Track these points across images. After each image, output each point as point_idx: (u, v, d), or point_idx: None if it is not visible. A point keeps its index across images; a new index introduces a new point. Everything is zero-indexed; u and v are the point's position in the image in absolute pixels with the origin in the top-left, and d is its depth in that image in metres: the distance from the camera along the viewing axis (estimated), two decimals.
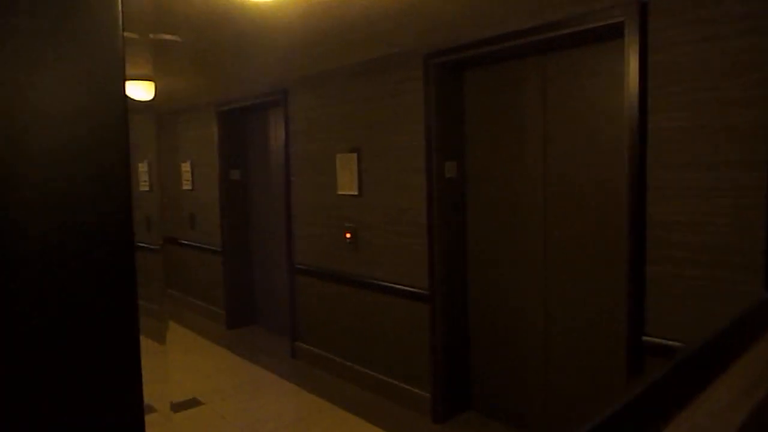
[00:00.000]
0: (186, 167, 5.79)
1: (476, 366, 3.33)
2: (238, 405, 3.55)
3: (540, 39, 2.62)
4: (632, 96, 2.27)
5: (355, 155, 3.63)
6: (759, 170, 1.98)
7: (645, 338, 2.26)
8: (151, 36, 2.77)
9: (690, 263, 2.16)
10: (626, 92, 2.30)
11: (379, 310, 3.58)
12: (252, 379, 4.00)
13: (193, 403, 3.59)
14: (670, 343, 2.19)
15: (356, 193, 3.65)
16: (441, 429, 3.18)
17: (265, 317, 5.23)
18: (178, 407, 3.53)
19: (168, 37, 2.74)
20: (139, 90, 3.87)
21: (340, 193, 3.79)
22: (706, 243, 2.11)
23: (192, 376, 4.07)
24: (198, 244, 5.69)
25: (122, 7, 0.36)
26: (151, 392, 3.74)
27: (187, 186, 5.81)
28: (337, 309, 3.93)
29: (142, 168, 5.82)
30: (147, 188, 5.78)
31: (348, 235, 3.74)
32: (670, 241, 2.21)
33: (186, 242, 5.94)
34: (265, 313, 5.22)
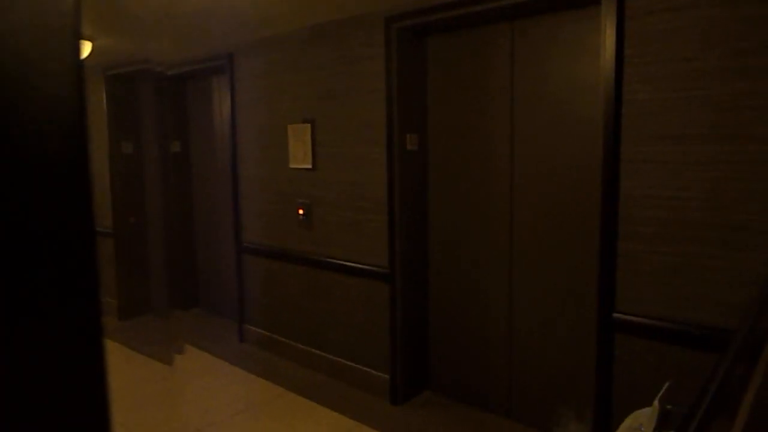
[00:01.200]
0: None
1: (437, 345, 3.24)
2: (184, 394, 3.30)
3: (509, 4, 2.48)
4: (608, 66, 2.18)
5: (308, 126, 3.40)
6: (735, 144, 1.94)
7: (616, 315, 2.21)
8: None
9: (663, 239, 2.11)
10: (602, 62, 2.20)
11: (335, 290, 3.41)
12: (198, 366, 3.75)
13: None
14: (641, 320, 2.15)
15: (310, 166, 3.43)
16: (399, 410, 3.08)
17: (210, 299, 4.94)
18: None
19: None
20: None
21: (292, 167, 3.56)
22: (680, 218, 2.07)
23: (129, 364, 3.78)
24: None
25: None
26: None
27: None
28: (290, 290, 3.73)
29: None
30: None
31: (301, 212, 3.52)
32: (643, 216, 2.15)
33: None
34: (210, 296, 4.93)
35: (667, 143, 2.09)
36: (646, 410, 1.84)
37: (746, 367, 0.86)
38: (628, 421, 1.89)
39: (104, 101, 4.62)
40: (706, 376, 0.78)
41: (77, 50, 0.35)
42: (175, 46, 3.96)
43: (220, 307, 4.78)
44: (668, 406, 1.77)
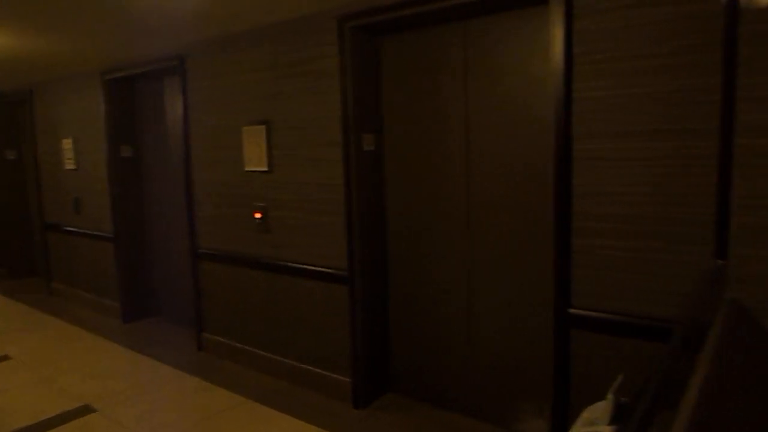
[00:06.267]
0: (67, 144, 5.14)
1: (398, 347, 3.22)
2: (139, 407, 3.18)
3: (462, 3, 2.48)
4: (557, 64, 2.20)
5: (263, 128, 3.33)
6: (683, 139, 1.99)
7: (571, 310, 2.24)
8: None
9: (615, 234, 2.14)
10: (551, 60, 2.23)
11: (294, 294, 3.35)
12: (153, 378, 3.62)
13: (83, 411, 3.17)
14: (596, 314, 2.18)
15: (266, 169, 3.37)
16: (361, 414, 3.04)
17: (167, 308, 4.80)
18: (66, 417, 3.10)
19: None
20: None
21: (247, 169, 3.48)
22: (631, 213, 2.10)
23: (82, 380, 3.62)
24: (85, 231, 5.09)
25: None
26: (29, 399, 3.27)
27: (70, 165, 5.16)
28: (248, 295, 3.65)
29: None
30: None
31: (258, 215, 3.45)
32: (595, 212, 2.18)
33: (71, 229, 5.30)
34: (167, 304, 4.79)
35: (617, 140, 2.13)
36: (602, 403, 1.86)
37: (689, 358, 0.87)
38: (585, 415, 1.91)
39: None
40: (650, 369, 0.78)
41: None
42: (125, 46, 3.83)
43: (178, 316, 4.65)
44: (622, 399, 1.79)
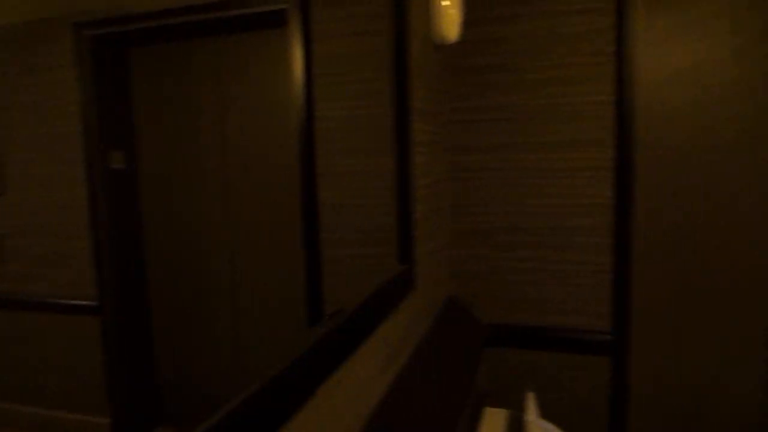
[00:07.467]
0: None
1: (167, 376, 3.02)
2: None
3: (211, 18, 2.46)
4: (299, 85, 2.31)
5: None
6: (390, 156, 2.22)
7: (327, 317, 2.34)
8: None
9: (356, 243, 2.30)
10: (293, 82, 2.33)
11: (41, 332, 2.95)
12: None
13: None
14: None
15: None
16: None
17: None
18: None
19: None
20: None
21: None
22: (368, 224, 2.29)
23: None
24: None
25: None
26: None
27: None
28: None
29: None
30: None
31: None
32: (340, 222, 2.33)
33: None
34: None
35: (355, 156, 2.30)
36: None
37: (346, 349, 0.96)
38: None
39: None
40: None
41: None
42: None
43: None
44: None
